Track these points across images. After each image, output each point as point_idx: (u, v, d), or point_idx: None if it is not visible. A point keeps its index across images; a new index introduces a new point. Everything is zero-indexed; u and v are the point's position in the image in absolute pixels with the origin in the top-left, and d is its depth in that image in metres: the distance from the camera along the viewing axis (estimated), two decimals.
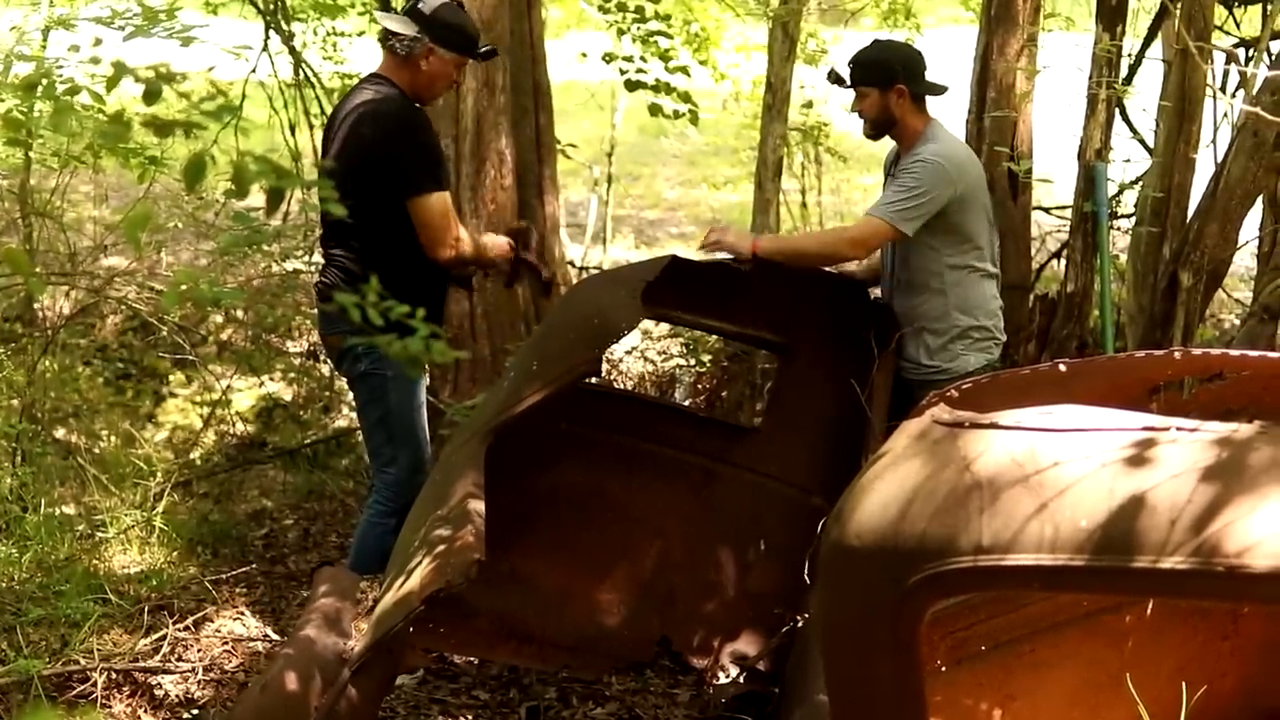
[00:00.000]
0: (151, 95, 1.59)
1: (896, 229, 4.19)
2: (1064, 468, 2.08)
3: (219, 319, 7.64)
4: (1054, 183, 6.37)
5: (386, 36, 4.33)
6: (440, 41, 4.28)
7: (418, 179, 4.18)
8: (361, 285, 3.87)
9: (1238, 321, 6.97)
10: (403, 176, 4.18)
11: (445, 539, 3.10)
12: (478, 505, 3.22)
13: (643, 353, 6.59)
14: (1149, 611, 2.91)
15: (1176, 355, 2.74)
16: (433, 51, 4.27)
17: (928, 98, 4.39)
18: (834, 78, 4.45)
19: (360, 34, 7.88)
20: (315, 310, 4.88)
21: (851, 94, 4.41)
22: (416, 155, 4.20)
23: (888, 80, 4.30)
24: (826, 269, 4.51)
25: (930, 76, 4.38)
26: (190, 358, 6.95)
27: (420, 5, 4.30)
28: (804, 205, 8.88)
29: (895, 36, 8.08)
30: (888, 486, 2.32)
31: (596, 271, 8.55)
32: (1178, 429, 2.04)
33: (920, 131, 4.34)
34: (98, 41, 2.54)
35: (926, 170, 4.21)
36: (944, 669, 2.75)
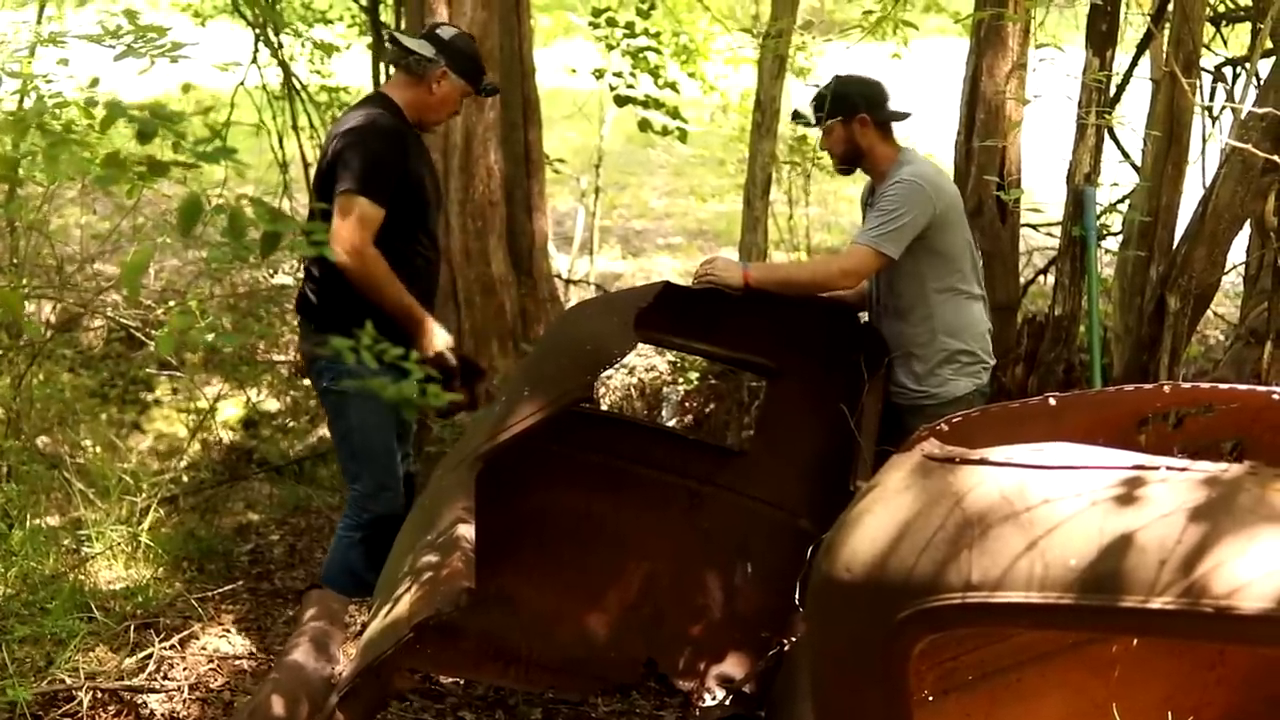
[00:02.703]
0: (146, 136, 1.59)
1: (882, 253, 4.20)
2: (1054, 506, 2.09)
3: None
4: (1045, 211, 6.37)
5: (402, 55, 4.37)
6: (454, 67, 4.35)
7: (349, 177, 4.15)
8: (336, 289, 3.85)
9: (1223, 338, 6.99)
10: (338, 173, 4.17)
11: (435, 565, 3.09)
12: (467, 531, 3.22)
13: (631, 369, 6.58)
14: (1135, 642, 2.92)
15: (1166, 389, 2.75)
16: (446, 75, 4.35)
17: (898, 126, 4.42)
18: (799, 117, 4.48)
19: (348, 46, 7.89)
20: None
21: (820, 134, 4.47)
22: (361, 159, 4.17)
23: (849, 111, 4.33)
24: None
25: (894, 103, 4.40)
26: (178, 373, 6.93)
27: (439, 31, 4.44)
28: (791, 218, 8.88)
29: (883, 48, 8.04)
30: (878, 521, 2.32)
31: (584, 281, 8.56)
32: (1167, 468, 2.05)
33: (893, 158, 4.36)
34: (94, 82, 2.53)
35: (905, 191, 4.23)
36: (931, 699, 2.76)
